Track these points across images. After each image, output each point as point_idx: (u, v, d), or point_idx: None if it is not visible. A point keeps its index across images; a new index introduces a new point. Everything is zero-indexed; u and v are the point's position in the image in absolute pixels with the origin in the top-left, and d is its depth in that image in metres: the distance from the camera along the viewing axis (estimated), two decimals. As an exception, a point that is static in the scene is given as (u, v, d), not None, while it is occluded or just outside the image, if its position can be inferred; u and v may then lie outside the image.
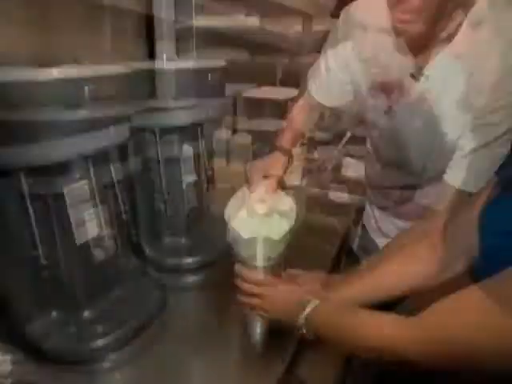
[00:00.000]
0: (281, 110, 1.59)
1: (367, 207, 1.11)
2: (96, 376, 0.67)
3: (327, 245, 1.08)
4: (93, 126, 0.62)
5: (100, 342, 0.66)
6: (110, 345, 0.67)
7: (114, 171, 0.75)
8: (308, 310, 0.58)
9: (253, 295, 0.65)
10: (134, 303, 0.76)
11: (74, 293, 0.70)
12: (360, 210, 1.16)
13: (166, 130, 0.88)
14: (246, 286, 0.65)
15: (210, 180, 1.33)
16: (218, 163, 1.36)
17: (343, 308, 0.58)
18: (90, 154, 0.66)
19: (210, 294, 0.89)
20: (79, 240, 0.68)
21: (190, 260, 0.94)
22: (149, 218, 0.94)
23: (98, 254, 0.72)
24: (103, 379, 0.67)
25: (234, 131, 1.39)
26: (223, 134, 1.32)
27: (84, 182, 0.68)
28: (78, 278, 0.70)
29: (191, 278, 0.94)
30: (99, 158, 0.69)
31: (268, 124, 1.41)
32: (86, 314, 0.71)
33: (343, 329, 0.55)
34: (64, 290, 0.70)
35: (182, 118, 0.87)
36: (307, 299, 0.60)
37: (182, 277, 0.93)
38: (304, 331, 0.59)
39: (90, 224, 0.69)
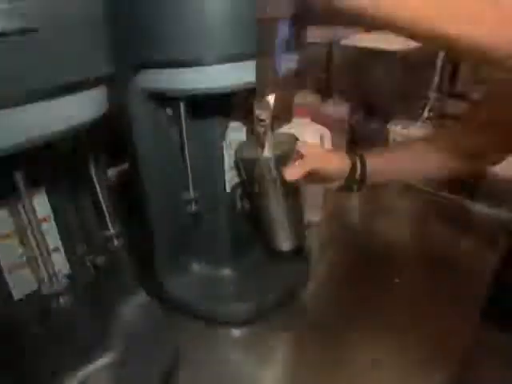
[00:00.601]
0: (397, 65, 1.13)
1: None
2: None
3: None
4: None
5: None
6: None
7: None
8: None
9: None
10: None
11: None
12: None
13: (197, 101, 0.51)
14: None
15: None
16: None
17: None
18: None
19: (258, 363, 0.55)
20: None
21: (236, 306, 0.60)
22: (168, 235, 0.60)
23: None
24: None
25: (326, 95, 0.97)
26: (307, 99, 0.91)
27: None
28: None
29: (234, 334, 0.60)
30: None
31: (378, 87, 0.95)
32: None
33: None
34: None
35: (225, 79, 0.48)
36: None
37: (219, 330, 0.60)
38: None
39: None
